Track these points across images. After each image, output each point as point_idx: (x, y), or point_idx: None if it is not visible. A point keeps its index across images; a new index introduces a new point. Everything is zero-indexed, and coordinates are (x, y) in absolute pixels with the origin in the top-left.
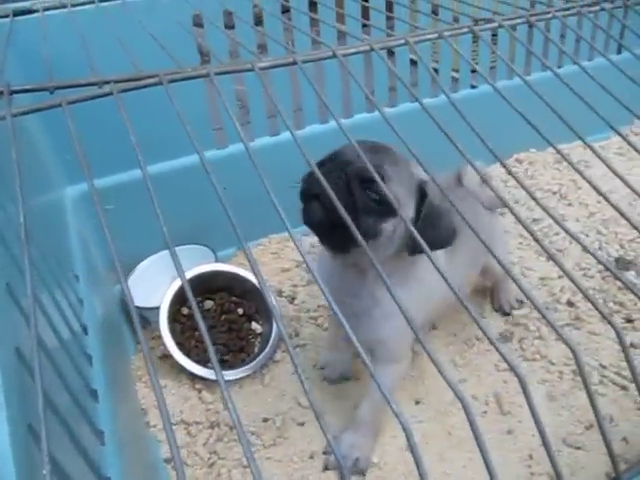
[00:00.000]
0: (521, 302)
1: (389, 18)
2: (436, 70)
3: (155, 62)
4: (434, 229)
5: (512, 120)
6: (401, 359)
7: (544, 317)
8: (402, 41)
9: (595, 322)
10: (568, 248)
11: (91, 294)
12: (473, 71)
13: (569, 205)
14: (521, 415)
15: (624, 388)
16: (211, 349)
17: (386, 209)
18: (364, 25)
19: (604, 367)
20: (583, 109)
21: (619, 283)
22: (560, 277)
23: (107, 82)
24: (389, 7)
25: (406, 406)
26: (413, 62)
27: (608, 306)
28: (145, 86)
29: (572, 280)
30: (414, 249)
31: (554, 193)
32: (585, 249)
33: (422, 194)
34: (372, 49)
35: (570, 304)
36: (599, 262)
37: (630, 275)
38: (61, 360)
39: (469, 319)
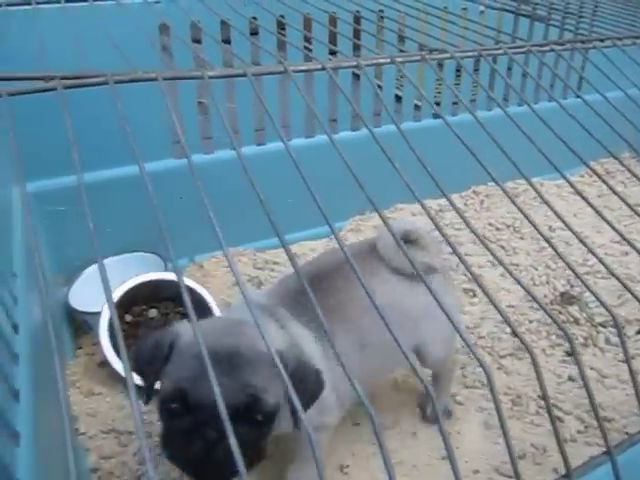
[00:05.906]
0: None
1: (356, 46)
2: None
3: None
4: (304, 391)
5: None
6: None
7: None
8: (354, 63)
9: (538, 353)
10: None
11: (30, 294)
12: (437, 104)
13: (521, 239)
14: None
15: (560, 420)
16: (123, 350)
17: (268, 422)
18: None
19: (542, 398)
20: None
21: (563, 317)
22: (508, 307)
23: (52, 77)
24: (357, 35)
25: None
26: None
27: (551, 339)
28: (90, 85)
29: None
30: (295, 423)
31: (508, 226)
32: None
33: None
34: (324, 68)
35: (514, 334)
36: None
37: (574, 310)
38: None
39: None
